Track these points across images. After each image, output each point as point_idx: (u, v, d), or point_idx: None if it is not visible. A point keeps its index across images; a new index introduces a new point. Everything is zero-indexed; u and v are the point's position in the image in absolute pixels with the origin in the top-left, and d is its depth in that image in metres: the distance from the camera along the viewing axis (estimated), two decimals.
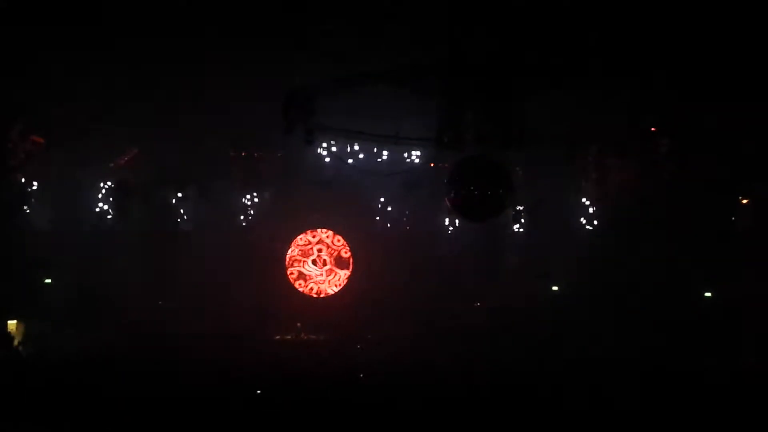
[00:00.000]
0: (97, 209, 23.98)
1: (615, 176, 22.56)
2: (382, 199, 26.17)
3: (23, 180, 22.29)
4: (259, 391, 14.40)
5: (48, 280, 23.12)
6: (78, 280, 23.03)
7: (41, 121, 20.28)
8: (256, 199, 25.52)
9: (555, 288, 25.52)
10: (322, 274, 26.23)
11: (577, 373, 15.74)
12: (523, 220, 25.01)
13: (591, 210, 24.92)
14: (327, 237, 26.36)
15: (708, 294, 23.16)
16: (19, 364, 18.39)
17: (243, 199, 25.48)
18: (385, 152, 23.04)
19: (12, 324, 21.54)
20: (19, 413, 12.09)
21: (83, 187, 23.74)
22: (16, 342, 21.06)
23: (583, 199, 24.89)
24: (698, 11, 12.94)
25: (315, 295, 26.16)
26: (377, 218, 26.31)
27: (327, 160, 22.90)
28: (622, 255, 23.18)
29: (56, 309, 22.05)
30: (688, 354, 18.06)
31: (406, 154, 23.03)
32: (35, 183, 22.60)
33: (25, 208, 22.42)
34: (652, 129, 17.84)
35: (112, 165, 23.58)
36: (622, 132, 18.18)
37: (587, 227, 24.88)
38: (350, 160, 22.78)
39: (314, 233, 26.34)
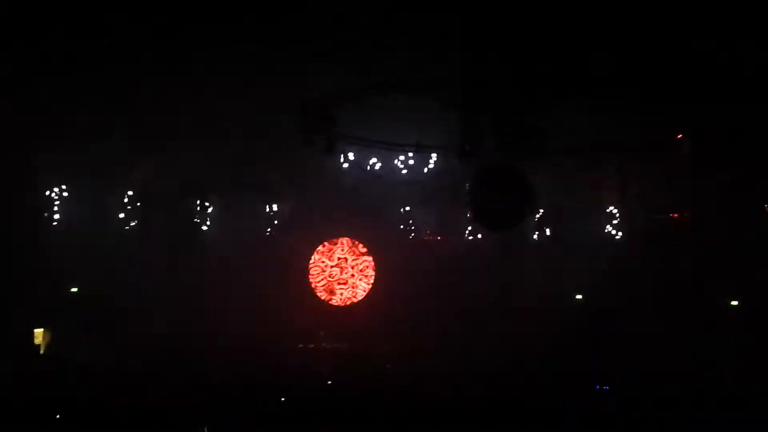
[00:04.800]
0: (122, 219, 24.18)
1: (638, 184, 22.44)
2: (403, 208, 26.20)
3: (50, 190, 22.60)
4: (283, 399, 14.46)
5: (74, 289, 23.34)
6: (103, 289, 23.22)
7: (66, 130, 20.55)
8: (278, 209, 25.64)
9: (579, 297, 25.35)
10: (344, 283, 26.27)
11: (601, 382, 15.64)
12: (545, 229, 24.92)
13: (614, 219, 24.80)
14: (349, 246, 26.41)
15: (734, 303, 22.89)
16: (46, 371, 18.56)
17: (265, 209, 25.62)
18: (406, 161, 23.08)
19: (39, 332, 21.79)
20: (45, 420, 12.25)
21: (108, 198, 23.97)
22: (42, 350, 21.32)
23: (608, 209, 24.79)
24: (717, 20, 12.86)
25: (337, 304, 26.19)
26: (399, 227, 26.32)
27: (347, 167, 22.96)
28: (646, 263, 23.00)
29: (82, 317, 22.23)
30: (713, 361, 17.86)
31: (426, 163, 23.05)
32: (61, 193, 22.89)
33: (53, 217, 22.72)
34: (678, 136, 17.68)
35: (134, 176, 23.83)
36: (645, 140, 18.06)
37: (611, 236, 24.75)
38: (371, 169, 22.84)
39: (336, 242, 26.40)
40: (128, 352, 20.52)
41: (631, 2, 12.91)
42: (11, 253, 20.65)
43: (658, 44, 13.84)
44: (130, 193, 23.87)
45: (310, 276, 26.20)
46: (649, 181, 22.31)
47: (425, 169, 23.23)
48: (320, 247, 26.28)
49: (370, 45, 14.79)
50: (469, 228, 25.53)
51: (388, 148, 19.84)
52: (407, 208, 26.06)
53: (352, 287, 26.20)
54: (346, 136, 15.68)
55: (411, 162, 23.08)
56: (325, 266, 26.25)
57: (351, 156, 22.65)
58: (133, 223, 24.04)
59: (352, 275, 26.25)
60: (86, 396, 13.89)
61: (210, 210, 24.58)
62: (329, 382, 17.39)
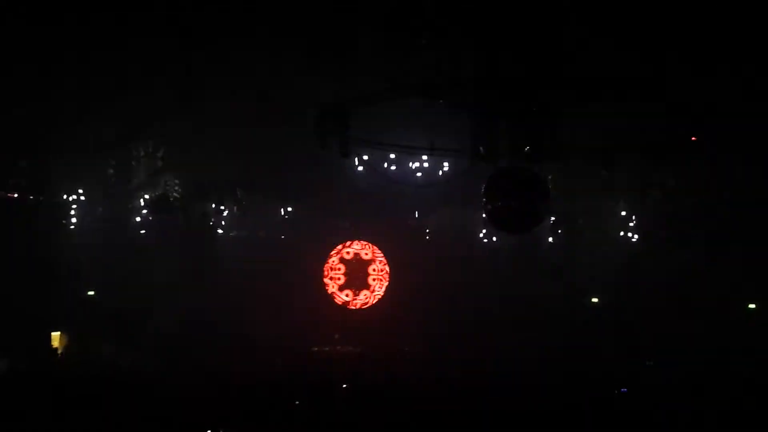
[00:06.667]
0: (139, 222, 24.32)
1: (653, 187, 22.31)
2: (417, 211, 26.23)
3: (65, 194, 22.77)
4: (297, 402, 14.50)
5: (91, 293, 23.51)
6: (119, 292, 23.37)
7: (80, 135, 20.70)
8: (292, 212, 25.74)
9: (595, 300, 25.26)
10: (359, 286, 26.27)
11: (615, 386, 15.58)
12: (560, 232, 24.85)
13: (630, 221, 24.72)
14: (364, 249, 26.42)
15: (752, 305, 22.74)
16: (62, 374, 18.70)
17: (281, 212, 25.71)
18: (420, 164, 23.11)
19: (56, 335, 21.94)
20: (61, 423, 12.34)
21: (123, 201, 24.12)
22: (59, 353, 21.46)
23: (622, 211, 24.71)
24: (734, 20, 12.79)
25: (352, 307, 26.20)
26: (413, 230, 26.35)
27: (362, 171, 23.00)
28: (661, 266, 22.90)
29: (98, 321, 22.39)
30: (730, 366, 17.72)
31: (441, 166, 23.06)
32: (76, 197, 23.06)
33: (71, 221, 22.89)
34: (693, 138, 17.60)
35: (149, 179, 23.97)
36: (660, 142, 17.98)
37: (626, 239, 24.67)
38: (386, 172, 22.86)
39: (351, 245, 26.41)
40: (143, 354, 20.65)
41: (646, 5, 12.88)
42: (29, 256, 20.83)
43: (674, 46, 13.80)
44: (147, 196, 24.00)
45: (324, 279, 26.22)
46: (666, 182, 22.20)
47: (440, 172, 23.22)
48: (335, 250, 26.30)
49: (384, 48, 14.80)
50: (484, 230, 25.53)
51: (403, 152, 19.87)
52: (422, 211, 26.09)
53: (368, 290, 26.20)
54: (361, 140, 15.71)
55: (426, 165, 23.10)
56: (340, 269, 26.26)
57: (366, 159, 22.69)
58: (148, 228, 24.18)
59: (368, 278, 26.25)
60: (102, 398, 13.97)
61: (225, 213, 24.68)
62: (344, 386, 17.38)
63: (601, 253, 24.62)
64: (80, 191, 23.16)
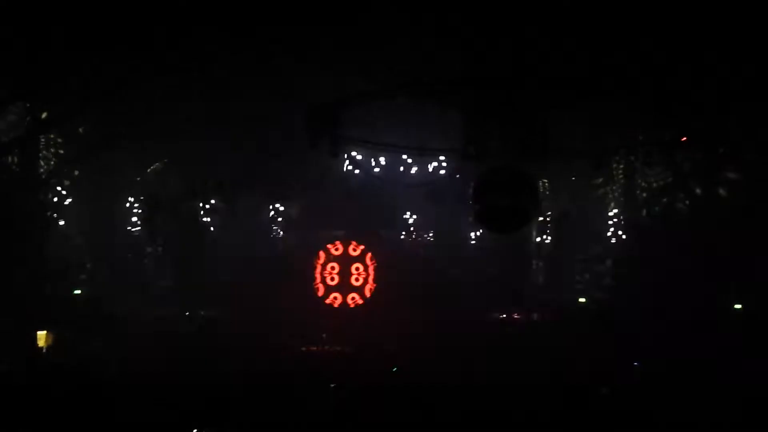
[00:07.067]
0: (127, 220, 24.24)
1: (642, 186, 22.46)
2: (407, 211, 26.28)
3: (54, 192, 22.64)
4: (286, 402, 14.44)
5: (77, 291, 23.39)
6: (107, 290, 23.28)
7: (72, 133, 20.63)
8: (282, 211, 25.75)
9: (582, 300, 25.36)
10: (347, 285, 26.26)
11: (604, 384, 15.61)
12: (548, 231, 24.98)
13: (617, 221, 24.86)
14: (352, 248, 26.42)
15: (738, 306, 22.85)
16: (48, 373, 18.58)
17: (269, 211, 25.70)
18: (410, 164, 23.15)
19: (42, 334, 21.80)
20: (47, 423, 12.25)
21: (113, 200, 24.04)
22: (44, 351, 21.31)
23: (610, 211, 24.85)
24: (724, 23, 12.88)
25: (341, 307, 26.18)
26: (402, 229, 26.41)
27: (352, 171, 23.05)
28: (648, 266, 23.00)
29: (85, 319, 22.28)
30: (715, 365, 17.80)
31: (431, 166, 23.13)
32: (66, 195, 22.93)
33: (56, 218, 22.75)
34: (682, 139, 17.72)
35: (139, 179, 23.91)
36: (649, 142, 18.09)
37: (613, 238, 24.80)
38: (375, 171, 22.92)
39: (340, 244, 26.41)
40: (131, 354, 20.56)
41: (635, 6, 12.95)
42: (15, 254, 20.67)
43: (663, 47, 13.88)
44: (135, 195, 23.93)
45: (313, 278, 26.20)
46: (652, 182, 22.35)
47: (429, 171, 23.30)
48: (324, 250, 26.29)
49: (375, 48, 14.83)
50: (473, 230, 25.60)
51: (393, 151, 19.92)
52: (411, 210, 26.17)
53: (356, 289, 26.20)
54: (351, 139, 15.72)
55: (416, 164, 23.17)
56: (329, 268, 26.24)
57: (356, 158, 22.75)
58: (138, 226, 24.12)
59: (356, 277, 26.24)
60: (87, 397, 13.89)
61: (215, 211, 24.64)
62: (332, 385, 17.38)
63: (589, 251, 24.77)
64: (62, 191, 23.00)
